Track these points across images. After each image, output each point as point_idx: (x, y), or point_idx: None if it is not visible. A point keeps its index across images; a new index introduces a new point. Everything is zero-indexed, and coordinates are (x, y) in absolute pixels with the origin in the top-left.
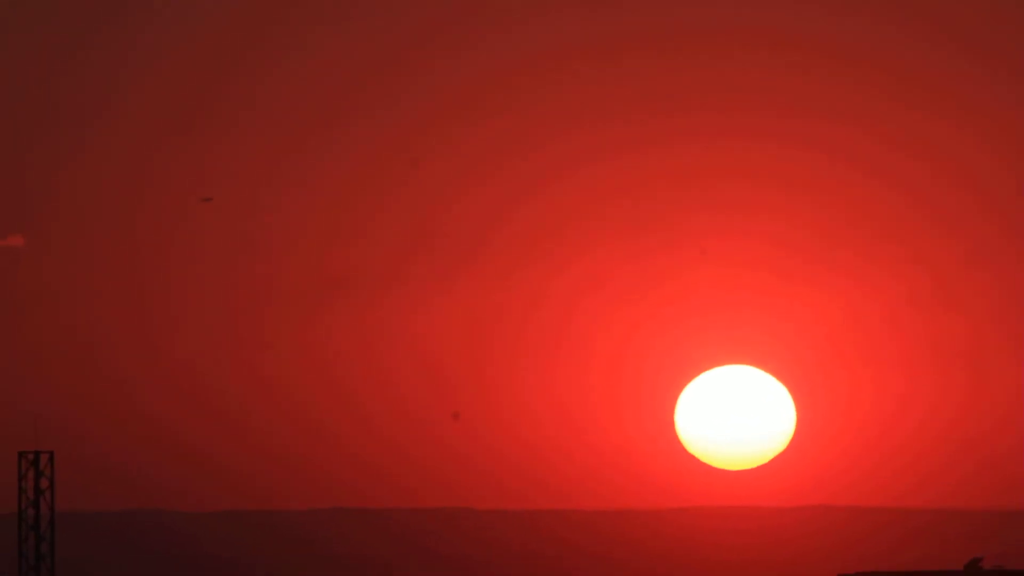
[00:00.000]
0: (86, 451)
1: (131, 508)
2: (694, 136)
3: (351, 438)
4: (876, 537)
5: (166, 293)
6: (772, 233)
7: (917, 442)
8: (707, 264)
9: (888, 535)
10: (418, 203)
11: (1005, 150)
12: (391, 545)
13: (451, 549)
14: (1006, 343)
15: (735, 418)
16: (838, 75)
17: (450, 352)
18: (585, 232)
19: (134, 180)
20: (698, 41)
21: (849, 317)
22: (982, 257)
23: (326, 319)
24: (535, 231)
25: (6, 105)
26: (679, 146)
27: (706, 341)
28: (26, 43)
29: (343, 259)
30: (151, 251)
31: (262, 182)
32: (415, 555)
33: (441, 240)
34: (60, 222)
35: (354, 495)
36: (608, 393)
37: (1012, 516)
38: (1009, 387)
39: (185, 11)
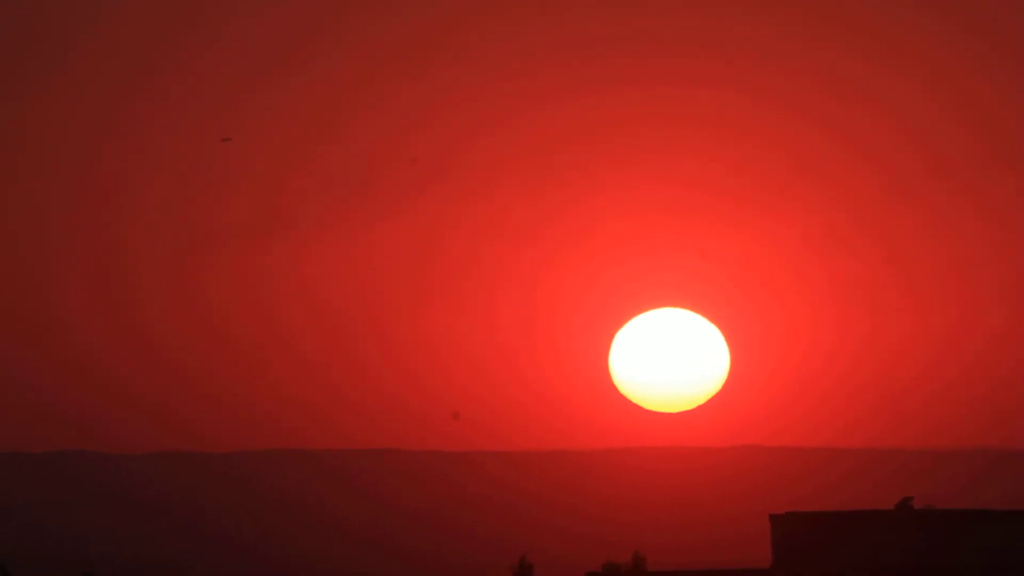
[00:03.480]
0: (11, 391)
1: (60, 449)
2: (618, 83)
3: (286, 379)
4: (807, 478)
5: (105, 233)
6: (691, 174)
7: (849, 383)
8: (636, 210)
9: (819, 476)
10: (361, 144)
11: (928, 83)
12: (326, 485)
13: (386, 489)
14: (942, 281)
15: (669, 361)
16: (749, 14)
17: (390, 291)
18: (527, 177)
19: (81, 125)
20: None
21: (777, 256)
22: (903, 190)
23: (265, 259)
24: (480, 174)
25: None
26: (599, 94)
27: (641, 285)
28: None
29: (283, 199)
30: (93, 191)
31: (197, 126)
32: (349, 495)
33: (388, 178)
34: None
35: (289, 436)
36: (544, 337)
37: (942, 456)
38: (946, 327)
39: None
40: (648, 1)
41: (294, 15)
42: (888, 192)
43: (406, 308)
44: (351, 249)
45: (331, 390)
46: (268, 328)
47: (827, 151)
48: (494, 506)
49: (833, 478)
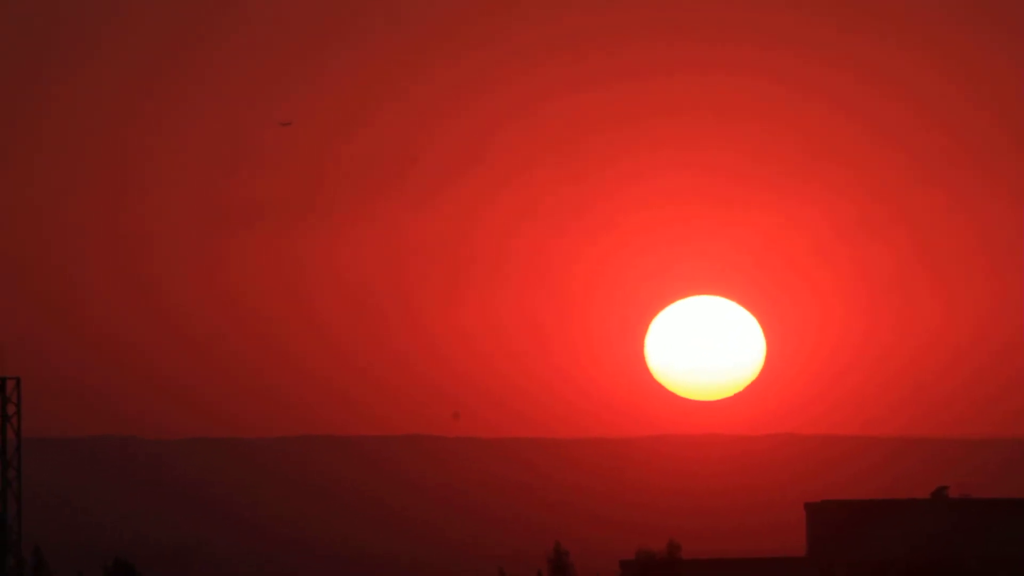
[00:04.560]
0: (54, 376)
1: (92, 435)
2: (645, 72)
3: (319, 365)
4: (842, 466)
5: (136, 220)
6: (720, 162)
7: (882, 371)
8: (667, 199)
9: (853, 464)
10: (394, 133)
11: (963, 79)
12: (359, 471)
13: (419, 475)
14: (972, 269)
15: (705, 349)
16: (776, 1)
17: (424, 278)
18: (557, 166)
19: (111, 104)
20: None
21: (808, 243)
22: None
23: (298, 244)
24: (511, 162)
25: None
26: (626, 83)
27: (674, 273)
28: None
29: (316, 184)
30: (118, 179)
31: (231, 106)
32: (383, 480)
33: (420, 166)
34: (23, 156)
35: (321, 422)
36: (579, 324)
37: (976, 444)
38: (977, 314)
39: None
40: None
41: (325, 2)
42: (916, 177)
43: (440, 295)
44: (384, 235)
45: (365, 376)
46: (300, 314)
47: (854, 137)
48: (529, 492)
49: (867, 466)
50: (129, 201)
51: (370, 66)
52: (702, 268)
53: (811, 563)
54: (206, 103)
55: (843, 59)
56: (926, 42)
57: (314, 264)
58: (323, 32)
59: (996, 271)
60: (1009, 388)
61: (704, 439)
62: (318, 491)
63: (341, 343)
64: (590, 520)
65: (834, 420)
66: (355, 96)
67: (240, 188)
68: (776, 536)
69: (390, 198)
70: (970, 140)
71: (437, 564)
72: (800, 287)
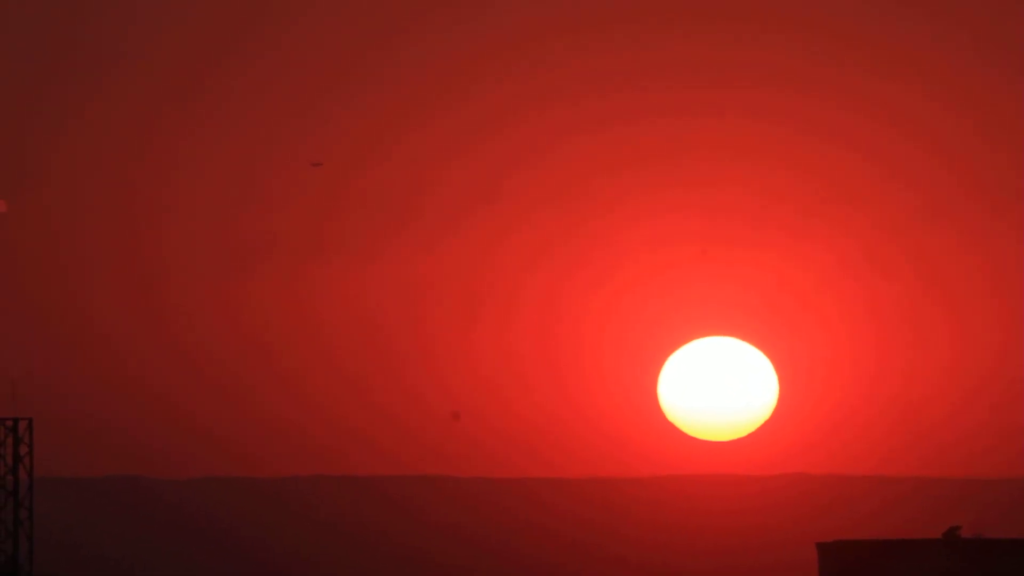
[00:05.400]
0: (67, 416)
1: (105, 475)
2: (652, 113)
3: (333, 403)
4: (854, 506)
5: (149, 257)
6: (726, 202)
7: (893, 409)
8: (678, 239)
9: (865, 504)
10: (403, 174)
11: (967, 114)
12: (378, 512)
13: (435, 515)
14: (984, 308)
15: (717, 390)
16: (777, 41)
17: (439, 316)
18: (568, 206)
19: (125, 136)
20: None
21: (817, 281)
22: (940, 214)
23: (313, 280)
24: (523, 201)
25: None
26: (633, 124)
27: (686, 313)
28: (22, 11)
29: (331, 221)
30: (131, 214)
31: (245, 141)
32: (403, 522)
33: (433, 204)
34: (38, 188)
35: (336, 462)
36: (592, 365)
37: (990, 484)
38: (991, 353)
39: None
40: (675, 32)
41: (342, 40)
42: (924, 214)
43: (456, 333)
44: (399, 272)
45: (379, 415)
46: (315, 350)
47: (859, 173)
48: (544, 532)
49: (879, 506)
50: (144, 238)
51: (383, 105)
52: (715, 309)
53: None
54: (220, 139)
55: (850, 98)
56: (933, 79)
57: (329, 300)
58: (338, 72)
59: (1008, 309)
60: (1022, 427)
61: (716, 479)
62: (331, 530)
63: (355, 381)
64: (604, 560)
65: (846, 459)
66: (370, 135)
67: (256, 223)
68: (788, 575)
69: (403, 233)
70: (980, 177)
71: None
72: (812, 327)
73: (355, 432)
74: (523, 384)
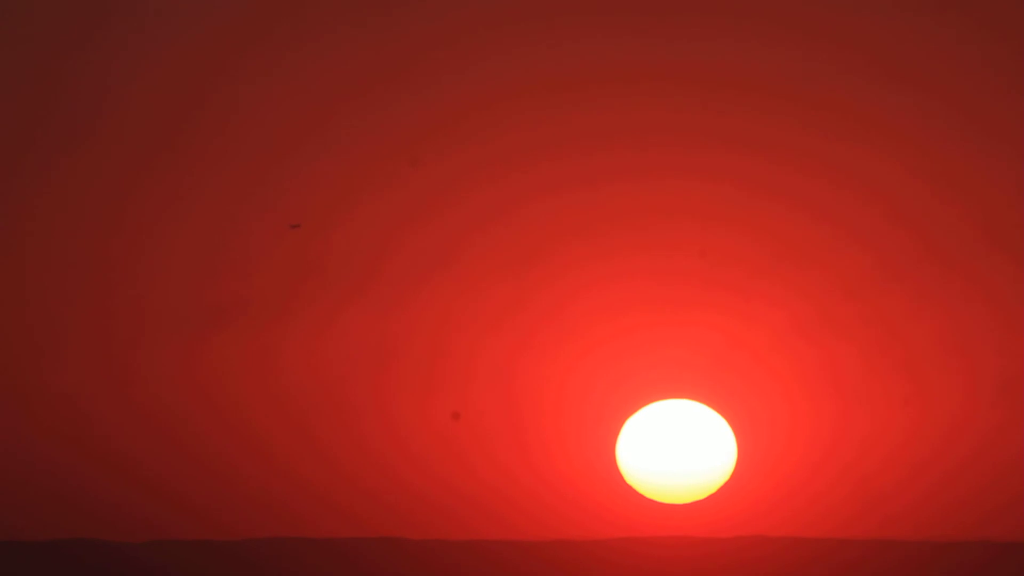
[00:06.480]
0: (11, 476)
1: (61, 538)
2: (604, 177)
3: (301, 467)
4: (812, 567)
5: (118, 318)
6: (680, 266)
7: (853, 472)
8: (634, 304)
9: (824, 566)
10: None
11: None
12: (340, 574)
13: None
14: (942, 370)
15: (675, 452)
16: (733, 104)
17: (398, 379)
18: (526, 272)
19: (93, 202)
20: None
21: (771, 342)
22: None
23: (277, 342)
24: (481, 267)
25: None
26: (588, 189)
27: (643, 378)
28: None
29: (293, 282)
30: (100, 278)
31: (209, 204)
32: None
33: (393, 268)
34: (2, 250)
35: (297, 523)
36: (552, 429)
37: (948, 547)
38: (950, 414)
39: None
40: (627, 96)
41: (310, 97)
42: (878, 274)
43: (415, 396)
44: (360, 335)
45: (341, 476)
46: (279, 412)
47: (813, 236)
48: None
49: (838, 568)
50: (114, 300)
51: (342, 168)
52: (672, 372)
53: None
54: (188, 202)
55: (804, 160)
56: (887, 139)
57: (293, 362)
58: (302, 134)
59: (966, 369)
60: (981, 490)
61: (675, 541)
62: None
63: (319, 442)
64: None
65: (804, 521)
66: (334, 198)
67: (226, 286)
68: None
69: (364, 296)
70: (934, 237)
71: None
72: (769, 388)
73: (317, 493)
74: (484, 446)
